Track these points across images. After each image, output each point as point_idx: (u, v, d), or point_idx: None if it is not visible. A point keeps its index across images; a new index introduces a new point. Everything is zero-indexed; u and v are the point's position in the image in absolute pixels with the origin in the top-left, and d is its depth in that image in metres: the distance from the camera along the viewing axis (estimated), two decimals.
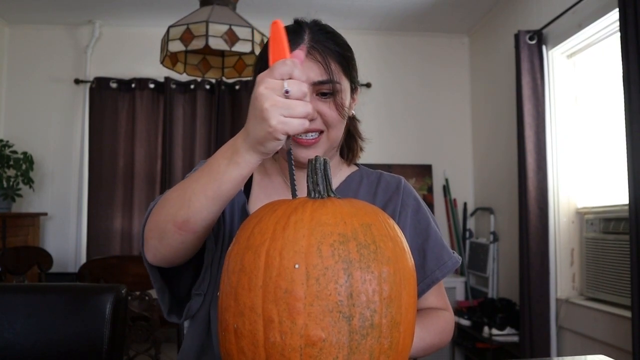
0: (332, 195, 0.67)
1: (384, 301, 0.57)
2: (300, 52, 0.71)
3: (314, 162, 0.67)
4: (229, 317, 0.59)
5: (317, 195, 0.66)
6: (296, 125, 0.64)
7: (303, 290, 0.55)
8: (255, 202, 0.96)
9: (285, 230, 0.58)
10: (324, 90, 0.86)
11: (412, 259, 0.65)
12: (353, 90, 0.95)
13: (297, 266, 0.56)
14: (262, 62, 0.92)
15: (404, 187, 1.00)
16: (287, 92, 0.63)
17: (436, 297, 0.98)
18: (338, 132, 0.90)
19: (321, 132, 0.88)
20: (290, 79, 0.64)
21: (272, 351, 0.55)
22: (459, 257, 0.98)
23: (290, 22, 0.93)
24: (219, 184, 0.70)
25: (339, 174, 1.02)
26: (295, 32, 0.88)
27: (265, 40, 2.32)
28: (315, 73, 0.85)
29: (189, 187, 0.73)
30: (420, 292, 0.94)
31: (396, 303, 0.58)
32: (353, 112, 0.99)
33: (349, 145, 1.03)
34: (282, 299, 0.55)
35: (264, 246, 0.58)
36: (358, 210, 0.62)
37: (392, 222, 0.66)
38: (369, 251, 0.58)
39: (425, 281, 0.94)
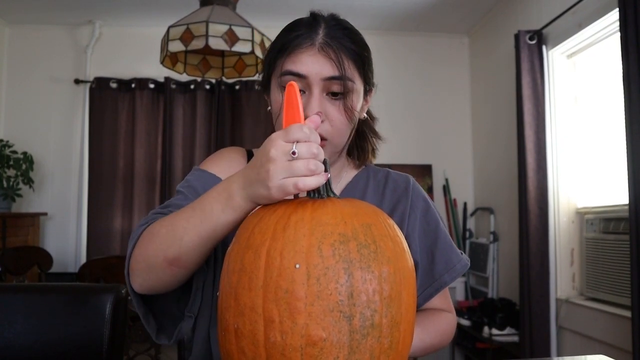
0: (332, 195, 0.67)
1: (384, 301, 0.57)
2: (316, 118, 0.69)
3: None
4: (229, 317, 0.59)
5: (316, 195, 0.66)
6: (311, 182, 0.62)
7: (304, 290, 0.55)
8: None
9: (286, 230, 0.58)
10: (334, 90, 0.82)
11: (411, 259, 0.65)
12: (367, 91, 0.91)
13: (297, 266, 0.56)
14: (267, 66, 0.89)
15: (413, 188, 0.97)
16: (293, 153, 0.63)
17: (439, 298, 0.96)
18: (343, 138, 0.86)
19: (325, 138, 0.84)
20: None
21: (273, 351, 0.55)
22: (467, 258, 0.95)
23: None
24: (213, 227, 0.70)
25: (345, 175, 0.99)
26: (311, 25, 0.84)
27: (265, 41, 2.32)
28: (327, 69, 0.81)
29: (179, 224, 0.72)
30: (428, 297, 0.93)
31: (396, 303, 0.58)
32: (365, 114, 0.95)
33: (361, 145, 0.99)
34: (283, 299, 0.55)
35: (264, 246, 0.58)
36: (358, 210, 0.62)
37: (391, 222, 0.66)
38: (369, 251, 0.58)
39: (433, 285, 0.92)
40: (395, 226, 0.66)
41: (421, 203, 0.97)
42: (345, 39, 0.84)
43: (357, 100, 0.86)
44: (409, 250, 0.65)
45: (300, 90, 0.80)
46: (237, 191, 0.68)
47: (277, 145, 0.63)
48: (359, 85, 0.86)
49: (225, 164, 0.94)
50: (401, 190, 0.97)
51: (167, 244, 0.72)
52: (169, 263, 0.72)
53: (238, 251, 0.61)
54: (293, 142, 0.63)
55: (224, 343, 0.61)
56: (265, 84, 0.90)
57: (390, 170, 1.01)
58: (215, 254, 0.89)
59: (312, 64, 0.81)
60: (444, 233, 0.96)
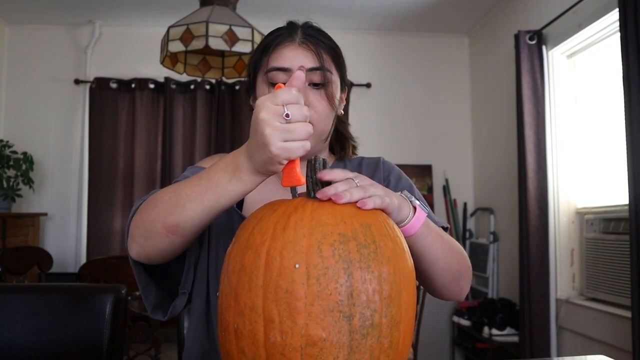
0: None
1: (384, 301, 0.57)
2: (300, 72, 0.69)
3: (313, 162, 0.67)
4: (229, 317, 0.59)
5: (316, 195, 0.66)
6: (297, 148, 0.63)
7: (304, 290, 0.55)
8: (249, 202, 0.96)
9: (286, 230, 0.58)
10: (315, 81, 0.89)
11: (411, 258, 0.65)
12: (342, 89, 0.97)
13: (297, 266, 0.56)
14: (254, 65, 0.94)
15: (383, 164, 1.04)
16: (287, 115, 0.62)
17: None
18: (326, 125, 0.92)
19: None
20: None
21: (273, 351, 0.55)
22: (446, 223, 0.98)
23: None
24: (217, 197, 0.70)
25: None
26: (290, 28, 0.92)
27: None
28: (309, 60, 0.88)
29: (182, 191, 0.73)
30: None
31: (396, 303, 0.58)
32: (342, 112, 0.99)
33: (341, 143, 1.05)
34: (283, 299, 0.55)
35: (264, 246, 0.58)
36: (358, 211, 0.63)
37: (391, 222, 0.66)
38: (369, 251, 0.58)
39: None
40: (395, 226, 0.66)
41: (394, 174, 1.03)
42: (321, 37, 0.92)
43: (336, 91, 0.93)
44: (409, 250, 0.65)
45: (284, 83, 0.84)
46: (244, 163, 0.68)
47: (266, 108, 0.63)
48: (336, 78, 0.93)
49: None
50: (373, 169, 1.04)
51: (168, 210, 0.73)
52: (168, 230, 0.73)
53: (238, 251, 0.61)
54: (282, 105, 0.63)
55: (224, 343, 0.61)
56: (251, 85, 0.96)
57: (364, 156, 1.08)
58: (208, 235, 0.92)
59: (295, 57, 0.89)
60: (420, 197, 0.96)
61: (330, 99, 0.90)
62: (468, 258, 0.89)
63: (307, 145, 0.64)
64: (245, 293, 0.57)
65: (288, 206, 0.63)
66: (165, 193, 0.76)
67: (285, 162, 0.64)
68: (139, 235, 0.76)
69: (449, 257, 0.82)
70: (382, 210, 0.67)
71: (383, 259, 0.58)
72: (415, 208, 0.76)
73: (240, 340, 0.58)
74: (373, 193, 0.66)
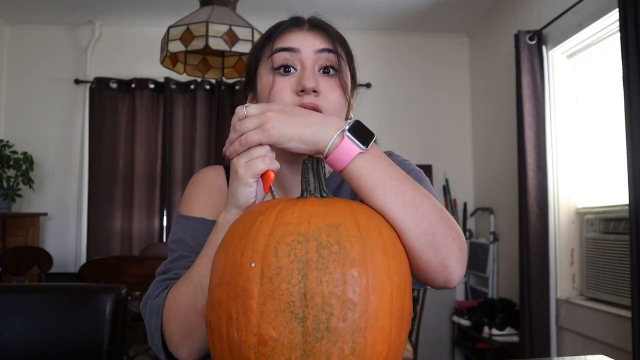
0: (325, 194, 0.66)
1: (343, 304, 0.55)
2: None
3: (307, 161, 0.67)
4: (207, 312, 0.62)
5: (307, 194, 0.66)
6: (258, 163, 0.67)
7: (257, 289, 0.55)
8: None
9: (251, 229, 0.60)
10: (326, 64, 0.81)
11: (394, 261, 0.60)
12: (352, 87, 0.89)
13: (253, 265, 0.56)
14: (252, 62, 0.87)
15: (390, 158, 0.93)
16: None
17: None
18: (340, 117, 0.82)
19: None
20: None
21: (232, 347, 0.57)
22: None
23: None
24: None
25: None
26: (296, 19, 0.86)
27: None
28: (319, 42, 0.82)
29: (193, 272, 0.74)
30: None
31: (360, 307, 0.55)
32: (352, 115, 0.92)
33: None
34: (239, 297, 0.56)
35: (232, 244, 0.60)
36: (329, 210, 0.60)
37: (372, 223, 0.61)
38: (329, 252, 0.56)
39: None
40: (377, 229, 0.61)
41: (401, 167, 0.89)
42: (329, 27, 0.86)
43: (348, 81, 0.85)
44: (395, 252, 0.61)
45: (292, 67, 0.81)
46: (223, 208, 0.74)
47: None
48: (346, 68, 0.85)
49: (204, 198, 0.91)
50: None
51: (192, 297, 0.73)
52: (203, 315, 0.72)
53: (217, 250, 0.64)
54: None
55: (208, 337, 0.64)
56: (251, 79, 0.87)
57: None
58: None
59: (303, 38, 0.82)
60: (428, 187, 0.84)
61: (344, 87, 0.82)
62: (457, 227, 0.68)
63: (267, 159, 0.67)
64: (215, 289, 0.60)
65: (262, 207, 0.64)
66: (179, 287, 0.75)
67: (251, 181, 0.68)
68: (182, 338, 0.74)
69: (411, 210, 0.65)
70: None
71: (346, 260, 0.56)
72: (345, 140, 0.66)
73: (212, 334, 0.60)
74: (251, 142, 0.67)
